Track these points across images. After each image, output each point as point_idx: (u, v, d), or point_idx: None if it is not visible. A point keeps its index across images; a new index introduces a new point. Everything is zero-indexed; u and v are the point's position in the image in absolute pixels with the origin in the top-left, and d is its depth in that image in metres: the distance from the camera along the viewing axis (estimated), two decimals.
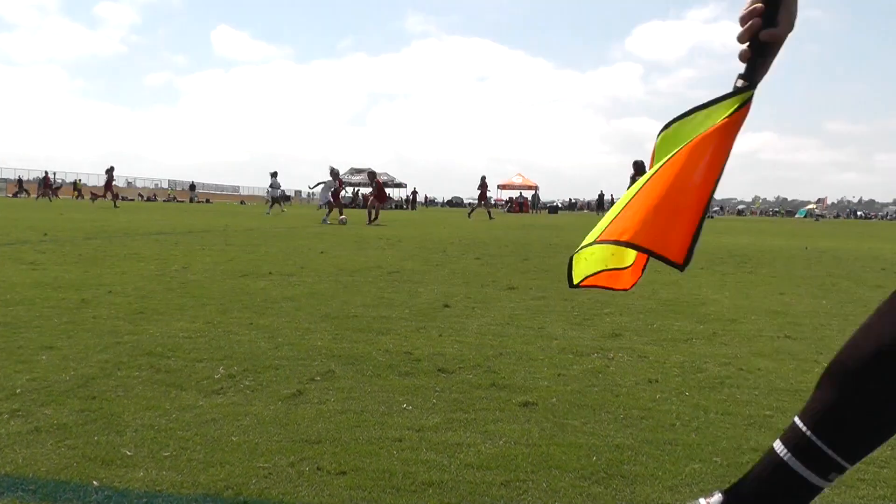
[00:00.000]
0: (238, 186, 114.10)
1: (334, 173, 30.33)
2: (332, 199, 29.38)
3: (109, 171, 42.60)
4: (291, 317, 6.29)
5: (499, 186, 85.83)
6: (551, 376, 4.52)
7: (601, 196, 74.62)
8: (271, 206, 41.52)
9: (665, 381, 4.49)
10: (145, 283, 8.15)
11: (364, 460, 3.06)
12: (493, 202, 42.84)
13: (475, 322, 6.30)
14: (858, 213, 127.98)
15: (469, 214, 41.76)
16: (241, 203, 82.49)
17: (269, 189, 42.17)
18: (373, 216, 28.21)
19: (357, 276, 9.44)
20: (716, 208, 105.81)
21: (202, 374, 4.35)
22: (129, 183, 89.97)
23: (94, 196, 54.45)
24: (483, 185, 41.17)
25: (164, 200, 75.56)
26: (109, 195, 42.57)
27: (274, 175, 40.50)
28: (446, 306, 7.06)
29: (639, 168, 24.41)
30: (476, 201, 42.32)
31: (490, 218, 40.25)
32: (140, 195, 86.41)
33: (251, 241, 15.72)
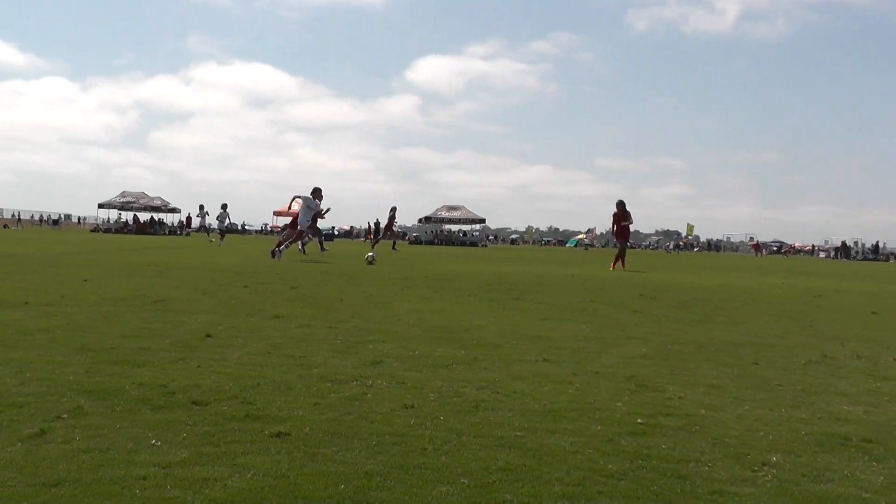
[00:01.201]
0: (0, 209, 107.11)
1: (316, 192, 24.47)
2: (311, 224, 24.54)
3: None
4: (44, 350, 5.97)
5: (275, 213, 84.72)
6: (308, 405, 4.52)
7: (377, 224, 75.29)
8: (222, 238, 40.96)
9: (421, 407, 4.58)
10: None
11: (104, 502, 2.96)
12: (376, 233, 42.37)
13: (237, 352, 6.20)
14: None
15: (373, 247, 36.53)
16: (4, 227, 77.50)
17: (217, 221, 42.38)
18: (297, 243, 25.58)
19: (121, 305, 9.09)
20: (490, 237, 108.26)
21: None
22: None
23: None
24: (391, 217, 39.67)
25: None
26: None
27: (224, 207, 41.02)
28: (209, 336, 6.90)
29: (621, 207, 24.69)
30: (382, 232, 40.95)
31: (393, 249, 38.80)
32: None
33: (11, 269, 14.86)
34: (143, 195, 78.83)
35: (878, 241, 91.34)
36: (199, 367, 5.54)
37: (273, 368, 5.59)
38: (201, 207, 44.08)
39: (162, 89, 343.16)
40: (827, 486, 3.49)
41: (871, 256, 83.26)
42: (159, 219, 76.05)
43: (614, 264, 25.07)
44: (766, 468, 3.70)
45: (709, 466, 3.69)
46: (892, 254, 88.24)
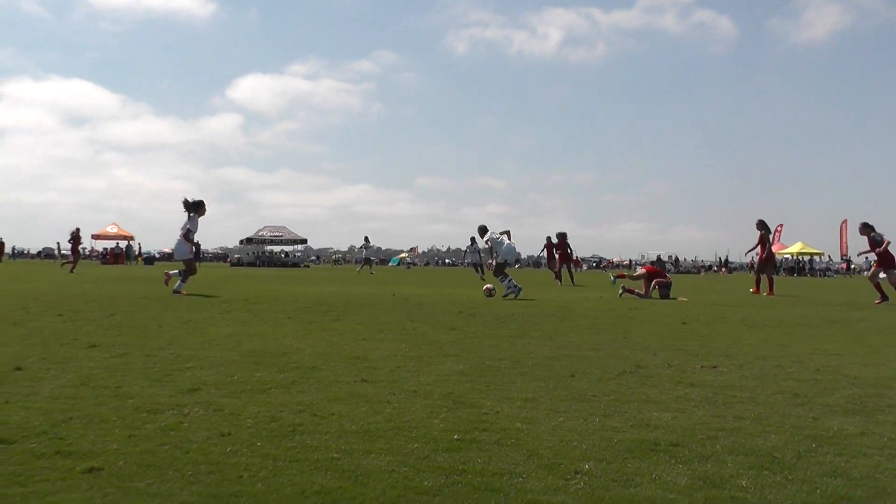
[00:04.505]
0: None
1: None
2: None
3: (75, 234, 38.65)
4: None
5: (93, 237, 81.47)
6: (122, 438, 4.44)
7: (197, 245, 74.13)
8: (362, 266, 45.42)
9: (237, 434, 4.58)
10: None
11: None
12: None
13: (48, 385, 5.98)
14: (447, 260, 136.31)
15: (558, 277, 33.41)
16: None
17: (364, 251, 48.97)
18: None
19: None
20: (312, 258, 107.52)
21: None
22: None
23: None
24: (563, 243, 33.49)
25: None
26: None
27: (366, 239, 46.70)
28: (18, 369, 6.63)
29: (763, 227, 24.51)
30: (550, 261, 35.36)
31: (560, 281, 32.70)
32: None
33: None
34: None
35: (677, 255, 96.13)
36: (6, 402, 5.33)
37: (86, 401, 5.43)
38: (366, 239, 47.37)
39: None
40: (635, 489, 3.68)
41: (683, 269, 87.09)
42: None
43: (771, 290, 24.52)
44: (578, 476, 3.86)
45: (522, 478, 3.82)
46: (702, 266, 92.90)
